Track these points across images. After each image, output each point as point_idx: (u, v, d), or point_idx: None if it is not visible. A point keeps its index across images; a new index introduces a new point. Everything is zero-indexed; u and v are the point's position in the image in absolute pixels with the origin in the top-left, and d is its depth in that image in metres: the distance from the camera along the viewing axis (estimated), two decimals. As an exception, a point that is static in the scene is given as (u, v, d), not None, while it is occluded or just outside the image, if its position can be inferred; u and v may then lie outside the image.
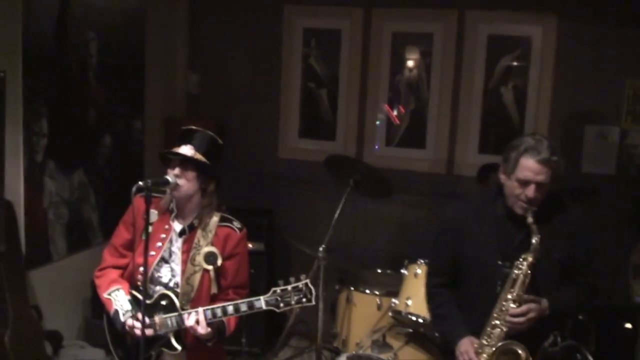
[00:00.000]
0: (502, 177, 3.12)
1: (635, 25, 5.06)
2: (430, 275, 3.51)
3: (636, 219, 4.44)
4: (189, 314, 2.95)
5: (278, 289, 2.89)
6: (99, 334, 4.37)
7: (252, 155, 6.09)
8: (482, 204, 3.28)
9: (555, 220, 3.02)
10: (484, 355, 3.04)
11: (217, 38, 6.13)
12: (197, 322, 2.93)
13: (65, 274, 4.66)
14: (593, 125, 5.24)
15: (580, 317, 4.30)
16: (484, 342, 3.05)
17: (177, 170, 3.03)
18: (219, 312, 2.96)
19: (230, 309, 2.93)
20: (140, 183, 2.86)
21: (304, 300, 2.87)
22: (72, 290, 4.75)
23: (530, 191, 2.97)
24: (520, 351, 2.90)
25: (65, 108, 4.60)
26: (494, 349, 2.98)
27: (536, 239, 2.95)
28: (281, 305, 2.88)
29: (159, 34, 5.69)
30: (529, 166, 2.97)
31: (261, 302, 2.89)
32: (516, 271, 2.99)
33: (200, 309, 2.94)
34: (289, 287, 2.88)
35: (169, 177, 2.99)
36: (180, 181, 3.03)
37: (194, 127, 3.18)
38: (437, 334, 3.99)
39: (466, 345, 3.12)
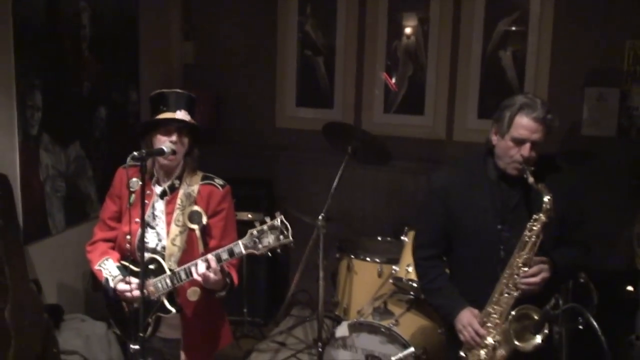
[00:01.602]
0: (495, 138, 3.04)
1: (634, -15, 5.00)
2: (418, 248, 3.36)
3: (637, 182, 4.40)
4: (195, 264, 2.92)
5: (254, 231, 2.85)
6: (100, 307, 4.40)
7: (249, 125, 6.05)
8: (469, 168, 3.18)
9: (549, 181, 2.92)
10: (490, 325, 2.98)
11: (211, 7, 6.07)
12: (209, 268, 2.89)
13: (64, 248, 4.65)
14: (593, 87, 5.19)
15: (581, 280, 4.29)
16: (490, 310, 2.98)
17: (174, 137, 2.99)
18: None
19: (213, 258, 2.90)
20: (135, 153, 2.82)
21: (281, 237, 2.81)
22: (72, 264, 4.74)
23: (526, 150, 2.90)
24: (536, 316, 2.82)
25: (59, 81, 4.55)
26: (510, 315, 2.89)
27: (548, 197, 2.85)
28: (259, 246, 2.83)
29: (152, 3, 5.62)
30: (525, 124, 2.90)
31: (240, 246, 2.86)
32: (528, 233, 2.90)
33: (209, 255, 2.90)
34: (265, 227, 2.83)
35: (164, 146, 2.95)
36: (177, 147, 2.99)
37: (178, 90, 3.11)
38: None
39: (468, 317, 3.04)
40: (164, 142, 2.97)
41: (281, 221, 2.84)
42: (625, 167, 4.94)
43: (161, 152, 2.94)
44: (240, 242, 2.87)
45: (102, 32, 4.95)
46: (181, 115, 3.01)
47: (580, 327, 3.91)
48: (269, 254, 2.87)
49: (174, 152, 2.97)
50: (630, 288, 4.49)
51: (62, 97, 4.58)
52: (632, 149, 4.96)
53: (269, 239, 2.83)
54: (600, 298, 4.39)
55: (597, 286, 4.41)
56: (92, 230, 3.36)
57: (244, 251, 2.87)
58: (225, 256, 2.89)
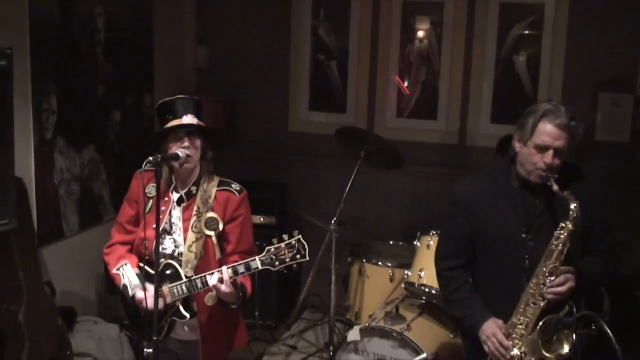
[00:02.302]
0: (518, 146, 3.00)
1: (650, -8, 4.99)
2: (441, 259, 3.29)
3: None
4: (212, 274, 2.94)
5: (272, 248, 2.89)
6: (113, 310, 4.43)
7: (262, 129, 6.07)
8: (493, 177, 3.16)
9: (574, 189, 2.88)
10: (515, 336, 2.94)
11: (225, 11, 6.09)
12: (221, 280, 2.92)
13: (78, 250, 4.67)
14: (607, 93, 5.18)
15: (599, 287, 4.27)
16: (516, 321, 2.94)
17: (186, 143, 3.00)
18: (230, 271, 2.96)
19: (230, 271, 2.92)
20: (151, 158, 2.84)
21: (298, 256, 2.86)
22: (86, 266, 4.76)
23: (549, 157, 2.87)
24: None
25: (74, 84, 4.58)
26: (537, 325, 2.85)
27: (575, 205, 2.81)
28: (276, 263, 2.87)
29: (167, 8, 5.65)
30: (548, 131, 2.87)
31: (257, 262, 2.90)
32: (555, 242, 2.86)
33: (224, 268, 2.93)
34: (283, 245, 2.87)
35: (179, 152, 2.97)
36: (191, 152, 3.01)
37: (181, 96, 3.13)
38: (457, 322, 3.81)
39: (492, 328, 3.00)
40: (177, 150, 2.99)
41: (299, 240, 2.87)
42: (638, 173, 4.92)
43: (176, 157, 2.96)
44: (257, 258, 2.90)
45: (117, 36, 4.98)
46: (189, 119, 3.03)
47: (594, 333, 3.89)
48: (285, 271, 2.90)
49: (188, 157, 2.99)
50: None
51: (77, 101, 4.61)
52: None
53: (286, 257, 2.87)
54: (614, 304, 4.38)
55: (611, 292, 4.40)
56: (106, 233, 3.38)
57: (260, 267, 2.91)
58: (242, 270, 2.93)
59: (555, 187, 2.86)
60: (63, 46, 4.44)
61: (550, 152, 2.88)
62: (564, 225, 2.86)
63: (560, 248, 2.86)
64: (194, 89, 6.06)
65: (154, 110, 5.45)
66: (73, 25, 4.52)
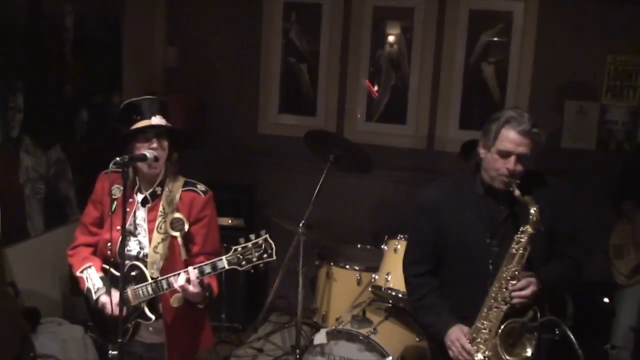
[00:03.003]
0: (482, 152, 3.04)
1: (616, 1, 5.06)
2: (409, 266, 3.30)
3: (614, 196, 4.45)
4: (178, 275, 2.92)
5: (239, 247, 2.87)
6: (78, 311, 4.38)
7: (232, 131, 6.05)
8: (459, 183, 3.19)
9: (536, 194, 2.93)
10: (479, 340, 2.96)
11: (196, 12, 6.06)
12: (188, 281, 2.90)
13: (42, 250, 4.62)
14: (573, 100, 5.25)
15: (563, 292, 4.34)
16: (480, 325, 2.96)
17: (155, 144, 2.98)
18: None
19: (196, 271, 2.91)
20: (117, 159, 2.82)
21: (264, 256, 2.85)
22: (50, 267, 4.71)
23: (511, 163, 2.91)
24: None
25: (41, 83, 4.53)
26: (499, 329, 2.87)
27: (534, 209, 2.85)
28: (243, 263, 2.85)
29: (136, 7, 5.61)
30: (510, 137, 2.91)
31: (223, 262, 2.88)
32: (515, 246, 2.89)
33: (190, 268, 2.91)
34: (249, 244, 2.86)
35: (147, 153, 2.95)
36: (159, 153, 2.99)
37: (148, 97, 3.11)
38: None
39: (457, 333, 3.02)
40: (145, 150, 2.97)
41: (266, 240, 2.86)
42: (604, 180, 5.00)
43: (144, 158, 2.93)
44: (224, 257, 2.88)
45: (85, 35, 4.93)
46: (157, 120, 3.01)
47: (557, 337, 3.95)
48: (252, 270, 2.89)
49: (156, 159, 2.97)
50: (606, 300, 4.55)
51: (44, 99, 4.56)
52: (611, 162, 5.01)
53: (253, 257, 2.85)
54: (577, 309, 4.44)
55: (575, 297, 4.46)
56: (71, 233, 3.34)
57: (227, 266, 2.88)
58: (208, 270, 2.91)
59: (517, 192, 2.90)
60: (30, 44, 4.39)
61: (513, 158, 2.92)
62: (523, 229, 2.89)
63: (520, 252, 2.89)
64: (162, 89, 6.03)
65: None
66: (40, 24, 4.46)
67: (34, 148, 4.48)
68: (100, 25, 5.13)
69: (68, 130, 4.86)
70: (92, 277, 3.09)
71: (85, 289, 3.08)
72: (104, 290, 3.03)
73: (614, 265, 4.30)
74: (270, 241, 2.87)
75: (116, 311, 2.87)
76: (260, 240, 2.86)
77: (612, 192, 4.43)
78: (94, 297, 3.05)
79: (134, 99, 3.10)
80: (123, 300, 2.85)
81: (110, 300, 2.93)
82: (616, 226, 4.37)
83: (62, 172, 4.80)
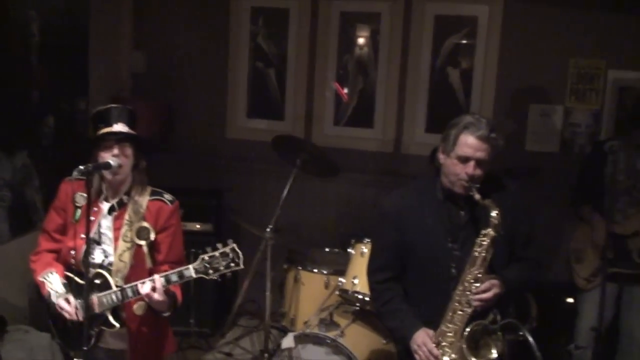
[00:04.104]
0: (441, 157, 3.10)
1: (579, 5, 5.14)
2: (373, 272, 3.37)
3: (573, 201, 4.51)
4: (143, 283, 2.93)
5: (206, 256, 2.90)
6: (44, 318, 4.35)
7: (200, 135, 6.05)
8: (420, 189, 3.24)
9: (496, 198, 2.98)
10: (445, 344, 3.00)
11: (162, 16, 6.05)
12: (154, 289, 2.91)
13: (8, 258, 4.58)
14: (537, 104, 5.32)
15: (524, 293, 4.39)
16: (445, 328, 3.01)
17: (116, 151, 2.98)
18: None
19: (163, 280, 2.92)
20: (81, 167, 2.82)
21: (232, 265, 2.89)
22: (16, 274, 4.66)
23: (470, 168, 2.97)
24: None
25: (6, 89, 4.49)
26: (464, 332, 2.91)
27: (495, 212, 2.91)
28: (210, 271, 2.89)
29: (103, 12, 5.58)
30: (469, 142, 2.97)
31: (190, 270, 2.90)
32: (478, 249, 2.95)
33: (157, 276, 2.92)
34: (217, 253, 2.89)
35: (110, 160, 2.95)
36: (122, 160, 2.99)
37: (113, 105, 3.11)
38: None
39: (422, 337, 3.06)
40: (108, 158, 2.97)
41: (233, 249, 2.89)
42: (568, 182, 5.07)
43: (107, 166, 2.94)
44: (191, 266, 2.91)
45: (51, 41, 4.90)
46: (119, 127, 3.02)
47: (521, 339, 4.00)
48: (219, 279, 2.91)
49: (120, 166, 2.97)
50: (570, 300, 4.61)
51: (10, 105, 4.53)
52: (575, 164, 5.08)
53: (220, 265, 2.89)
54: (542, 309, 4.50)
55: (540, 297, 4.52)
56: (37, 240, 3.33)
57: (194, 275, 2.91)
58: (174, 278, 2.93)
59: (477, 196, 2.96)
60: (-5, 50, 4.37)
61: (472, 163, 2.98)
62: (485, 232, 2.95)
63: (483, 254, 2.94)
64: (129, 94, 6.01)
65: (88, 116, 5.39)
66: (5, 29, 4.44)
67: (-1, 154, 4.45)
68: (66, 30, 5.11)
69: (34, 136, 4.83)
70: (52, 282, 3.08)
71: (46, 293, 3.08)
72: (64, 295, 3.03)
73: (574, 269, 4.36)
74: (238, 250, 2.90)
75: (75, 316, 2.88)
76: (227, 249, 2.89)
77: (571, 196, 4.48)
78: (54, 300, 3.04)
79: (101, 107, 3.10)
80: (88, 307, 2.85)
81: (68, 309, 2.93)
82: (576, 231, 4.42)
83: (28, 178, 4.77)
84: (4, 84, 4.46)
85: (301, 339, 4.08)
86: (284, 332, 4.71)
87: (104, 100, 5.58)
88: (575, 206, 4.42)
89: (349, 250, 4.55)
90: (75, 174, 2.83)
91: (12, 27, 4.50)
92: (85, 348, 2.84)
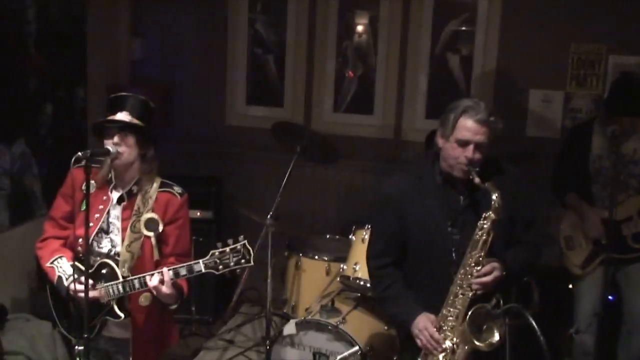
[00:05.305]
0: (440, 141, 3.07)
1: (579, -10, 5.13)
2: (372, 258, 3.34)
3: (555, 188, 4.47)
4: (152, 275, 2.92)
5: (216, 252, 2.88)
6: (45, 306, 4.34)
7: (199, 123, 6.03)
8: (419, 173, 3.21)
9: (496, 182, 2.95)
10: (446, 328, 2.99)
11: (161, 2, 6.02)
12: (162, 282, 2.89)
13: (8, 246, 4.58)
14: (538, 89, 5.31)
15: (524, 278, 4.38)
16: (446, 312, 2.99)
17: (116, 139, 2.96)
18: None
19: (171, 273, 2.91)
20: (80, 154, 2.79)
21: (242, 261, 2.86)
22: (16, 263, 4.66)
23: (469, 152, 2.95)
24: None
25: (4, 77, 4.47)
26: (466, 316, 2.89)
27: (496, 195, 2.89)
28: (220, 267, 2.87)
29: (100, -2, 5.56)
30: (468, 126, 2.95)
31: (200, 265, 2.88)
32: (479, 232, 2.93)
33: (165, 269, 2.91)
34: (227, 249, 2.87)
35: (110, 147, 2.93)
36: (121, 149, 2.96)
37: (124, 93, 3.09)
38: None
39: (424, 322, 3.04)
40: (108, 145, 2.95)
41: (244, 245, 2.87)
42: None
43: (107, 153, 2.92)
44: (201, 261, 2.89)
45: (48, 28, 4.88)
46: (122, 116, 2.99)
47: (524, 324, 4.00)
48: (228, 275, 2.89)
49: (119, 154, 2.95)
50: (571, 286, 4.60)
51: (7, 93, 4.51)
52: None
53: (230, 261, 2.86)
54: (544, 295, 4.50)
55: (541, 283, 4.52)
56: (37, 229, 3.31)
57: (203, 270, 2.89)
58: (183, 272, 2.91)
59: (477, 180, 2.94)
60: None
61: (471, 147, 2.96)
62: (486, 214, 2.93)
63: (484, 237, 2.93)
64: (127, 82, 5.98)
65: (86, 103, 5.38)
66: (1, 17, 4.40)
67: (-3, 143, 4.43)
68: (63, 17, 5.07)
69: (32, 124, 4.81)
70: (63, 266, 3.06)
71: (56, 277, 3.05)
72: (76, 278, 3.00)
73: (566, 256, 4.33)
74: (249, 247, 2.88)
75: (92, 294, 2.88)
76: (238, 245, 2.87)
77: (553, 183, 4.43)
78: (66, 284, 3.01)
79: (113, 95, 3.09)
80: (88, 294, 2.83)
81: (86, 288, 2.91)
82: (564, 218, 4.38)
83: (27, 166, 4.75)
84: (1, 72, 4.43)
85: (303, 325, 4.08)
86: (286, 319, 4.71)
87: (102, 87, 5.57)
88: (559, 194, 4.38)
89: (350, 236, 4.54)
90: (74, 160, 2.79)
91: (8, 15, 4.47)
92: (86, 336, 2.82)
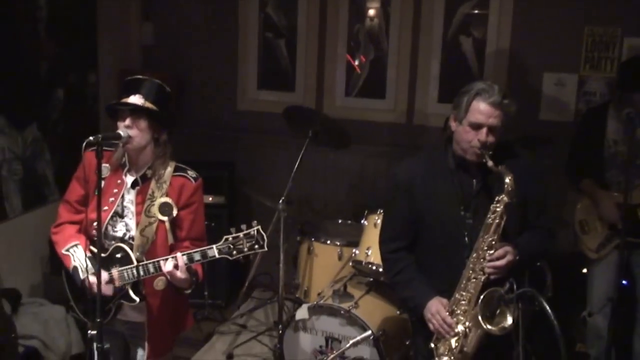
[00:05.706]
0: (453, 125, 3.06)
1: (593, -28, 5.06)
2: (385, 242, 3.32)
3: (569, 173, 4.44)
4: (166, 260, 2.92)
5: (230, 237, 2.88)
6: (59, 291, 4.37)
7: (210, 107, 6.02)
8: (431, 157, 3.20)
9: (509, 165, 2.94)
10: (459, 312, 2.99)
11: (171, -13, 6.00)
12: (176, 266, 2.90)
13: (21, 231, 4.60)
14: (551, 73, 5.26)
15: (537, 263, 4.36)
16: (459, 296, 2.99)
17: (128, 121, 2.95)
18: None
19: (185, 258, 2.91)
20: (91, 138, 2.78)
21: (256, 246, 2.86)
22: (30, 247, 4.69)
23: (483, 135, 2.92)
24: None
25: (15, 62, 4.48)
26: (478, 300, 2.88)
27: (509, 178, 2.87)
28: (234, 252, 2.87)
29: (111, -17, 5.54)
30: (481, 109, 2.92)
31: (214, 250, 2.89)
32: (492, 215, 2.92)
33: (179, 254, 2.91)
34: (241, 234, 2.87)
35: (121, 131, 2.92)
36: (132, 132, 2.95)
37: (139, 77, 3.07)
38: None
39: (436, 306, 3.04)
40: (120, 129, 2.95)
41: (258, 231, 2.87)
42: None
43: (118, 137, 2.91)
44: (214, 246, 2.89)
45: (59, 13, 4.87)
46: (135, 99, 2.97)
47: (537, 308, 3.98)
48: (242, 260, 2.89)
49: (130, 137, 2.94)
50: (584, 270, 4.58)
51: (18, 78, 4.51)
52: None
53: (244, 247, 2.86)
54: (557, 279, 4.48)
55: (554, 267, 4.50)
56: (50, 214, 3.33)
57: (217, 255, 2.89)
58: (197, 257, 2.91)
59: (490, 163, 2.91)
60: (2, 22, 4.33)
61: (484, 130, 2.93)
62: (499, 198, 2.92)
63: (497, 221, 2.92)
64: (138, 67, 5.97)
65: (98, 88, 5.37)
66: (12, 2, 4.40)
67: (9, 128, 4.44)
68: (74, 2, 5.06)
69: (44, 109, 4.81)
70: (79, 256, 3.07)
71: (72, 267, 3.05)
72: (91, 270, 3.00)
73: (581, 240, 4.31)
74: (262, 232, 2.88)
75: (105, 291, 2.88)
76: (252, 231, 2.87)
77: (567, 168, 4.41)
78: (82, 276, 3.02)
79: (131, 77, 3.08)
80: (99, 280, 2.83)
81: (99, 281, 2.91)
82: (579, 202, 4.36)
83: (39, 152, 4.76)
84: (13, 57, 4.44)
85: (315, 310, 4.08)
86: (298, 303, 4.71)
87: (113, 72, 5.56)
88: (574, 180, 4.35)
89: (362, 221, 4.53)
90: (85, 145, 2.78)
91: (19, 0, 4.46)
92: (99, 320, 2.82)
